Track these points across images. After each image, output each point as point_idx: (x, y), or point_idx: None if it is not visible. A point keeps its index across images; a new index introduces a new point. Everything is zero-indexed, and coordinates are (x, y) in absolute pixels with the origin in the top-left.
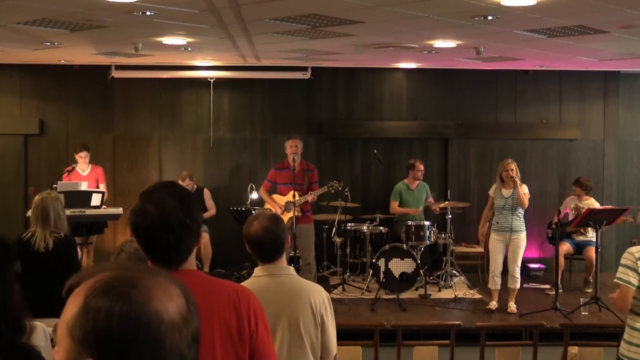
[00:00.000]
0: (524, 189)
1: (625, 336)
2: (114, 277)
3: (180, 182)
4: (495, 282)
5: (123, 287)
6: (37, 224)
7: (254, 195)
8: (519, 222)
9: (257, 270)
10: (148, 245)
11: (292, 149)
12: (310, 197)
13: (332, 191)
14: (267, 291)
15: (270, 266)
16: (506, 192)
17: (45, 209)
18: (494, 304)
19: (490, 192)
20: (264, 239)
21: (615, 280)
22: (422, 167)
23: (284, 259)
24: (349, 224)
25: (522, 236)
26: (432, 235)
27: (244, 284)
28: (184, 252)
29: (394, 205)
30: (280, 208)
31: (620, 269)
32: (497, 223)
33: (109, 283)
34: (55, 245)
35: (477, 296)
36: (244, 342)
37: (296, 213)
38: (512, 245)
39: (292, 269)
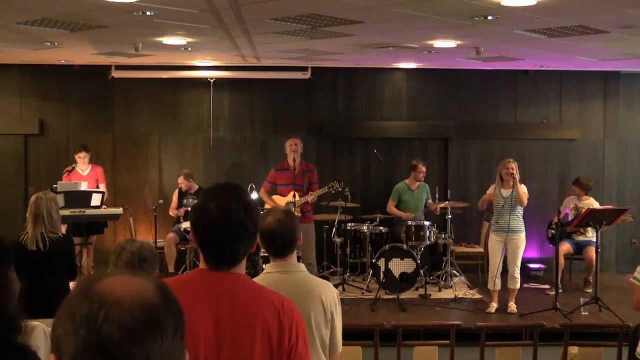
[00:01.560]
0: (523, 189)
1: None
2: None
3: (179, 178)
4: (494, 283)
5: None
6: (30, 224)
7: (254, 195)
8: (518, 222)
9: (269, 267)
10: (204, 242)
11: (292, 147)
12: (310, 198)
13: (333, 192)
14: (278, 287)
15: (282, 262)
16: (505, 192)
17: (38, 209)
18: (493, 306)
19: (489, 191)
20: (277, 233)
21: (632, 280)
22: (424, 169)
23: (294, 256)
24: (349, 224)
25: (522, 236)
26: (432, 235)
27: (255, 280)
28: (239, 253)
29: (390, 205)
30: None
31: (638, 268)
32: (497, 223)
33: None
34: (53, 245)
35: (477, 296)
36: (282, 355)
37: (297, 214)
38: (512, 245)
39: (302, 265)
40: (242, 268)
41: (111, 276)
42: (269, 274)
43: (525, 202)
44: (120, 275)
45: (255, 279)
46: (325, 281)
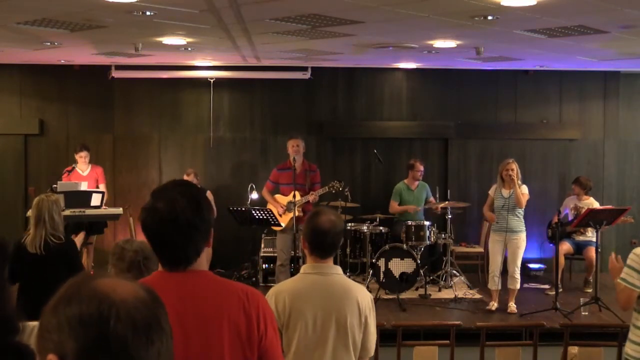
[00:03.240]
0: (524, 189)
1: (630, 335)
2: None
3: (189, 177)
4: (495, 283)
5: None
6: (32, 226)
7: (254, 195)
8: (519, 223)
9: (307, 268)
10: (156, 244)
11: (294, 148)
12: (311, 197)
13: (333, 191)
14: (316, 289)
15: (321, 264)
16: (506, 192)
17: (40, 211)
18: (494, 305)
19: (490, 192)
20: (330, 232)
21: (619, 281)
22: (421, 168)
23: (332, 259)
24: (349, 224)
25: (522, 236)
26: (432, 235)
27: (291, 280)
28: (192, 252)
29: (394, 205)
30: (282, 208)
31: (625, 269)
32: (497, 223)
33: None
34: (54, 248)
35: (477, 296)
36: (252, 345)
37: (298, 213)
38: (512, 245)
39: (339, 268)
40: (200, 265)
41: (102, 277)
42: (307, 275)
43: (524, 203)
44: (109, 277)
45: (292, 279)
46: (360, 285)
